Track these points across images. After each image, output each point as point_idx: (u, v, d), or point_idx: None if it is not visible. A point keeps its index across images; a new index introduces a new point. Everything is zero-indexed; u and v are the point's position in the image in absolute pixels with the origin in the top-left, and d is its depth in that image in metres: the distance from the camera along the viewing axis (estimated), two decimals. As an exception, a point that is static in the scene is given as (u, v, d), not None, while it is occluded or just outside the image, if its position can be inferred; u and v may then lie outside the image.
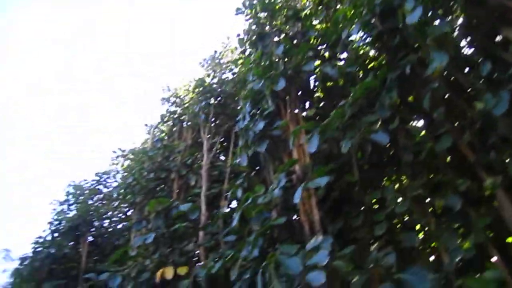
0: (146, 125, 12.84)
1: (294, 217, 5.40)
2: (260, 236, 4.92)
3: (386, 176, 5.35)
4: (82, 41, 36.68)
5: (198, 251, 7.40)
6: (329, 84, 6.76)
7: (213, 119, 9.99)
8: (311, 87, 7.08)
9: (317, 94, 7.15)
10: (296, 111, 6.35)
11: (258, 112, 6.47)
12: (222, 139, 9.90)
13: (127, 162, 13.47)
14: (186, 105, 11.17)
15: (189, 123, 10.74)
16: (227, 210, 7.53)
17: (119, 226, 12.57)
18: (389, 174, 5.26)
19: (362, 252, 4.49)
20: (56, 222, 12.50)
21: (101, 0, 36.71)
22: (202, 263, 7.04)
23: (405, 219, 4.74)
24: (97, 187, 13.96)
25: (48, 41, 36.41)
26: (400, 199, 4.48)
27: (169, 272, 6.51)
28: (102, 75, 40.47)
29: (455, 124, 4.53)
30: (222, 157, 9.93)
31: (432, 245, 4.76)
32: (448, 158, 4.60)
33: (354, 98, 4.78)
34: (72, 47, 37.68)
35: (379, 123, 4.63)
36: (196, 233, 7.65)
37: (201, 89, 10.41)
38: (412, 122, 4.88)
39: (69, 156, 37.52)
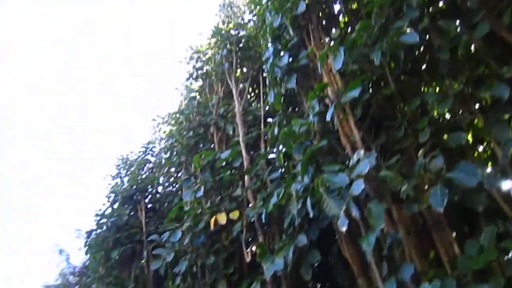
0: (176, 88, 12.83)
1: (336, 141, 5.29)
2: (308, 164, 4.87)
3: (424, 83, 5.08)
4: (82, 41, 36.93)
5: (246, 195, 7.51)
6: (354, 6, 6.39)
7: (238, 66, 9.84)
8: (335, 13, 6.73)
9: (342, 20, 6.79)
10: (321, 39, 6.09)
11: (281, 46, 6.27)
12: (254, 85, 9.79)
13: (168, 128, 13.68)
14: (209, 57, 11.05)
15: (216, 75, 10.65)
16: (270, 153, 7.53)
17: (172, 189, 12.93)
18: (428, 80, 4.98)
19: (409, 161, 4.37)
20: (112, 195, 13.08)
21: (101, 0, 36.29)
22: (251, 205, 7.18)
23: (450, 121, 4.50)
24: (145, 157, 14.34)
25: (48, 41, 36.80)
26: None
27: (221, 218, 6.70)
28: (102, 75, 40.70)
29: (491, 11, 4.16)
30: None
31: (484, 142, 4.54)
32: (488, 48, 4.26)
33: (377, 3, 4.48)
34: (72, 47, 38.05)
35: (408, 25, 4.34)
36: (242, 178, 7.77)
37: (219, 37, 10.19)
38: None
39: (69, 156, 38.10)
